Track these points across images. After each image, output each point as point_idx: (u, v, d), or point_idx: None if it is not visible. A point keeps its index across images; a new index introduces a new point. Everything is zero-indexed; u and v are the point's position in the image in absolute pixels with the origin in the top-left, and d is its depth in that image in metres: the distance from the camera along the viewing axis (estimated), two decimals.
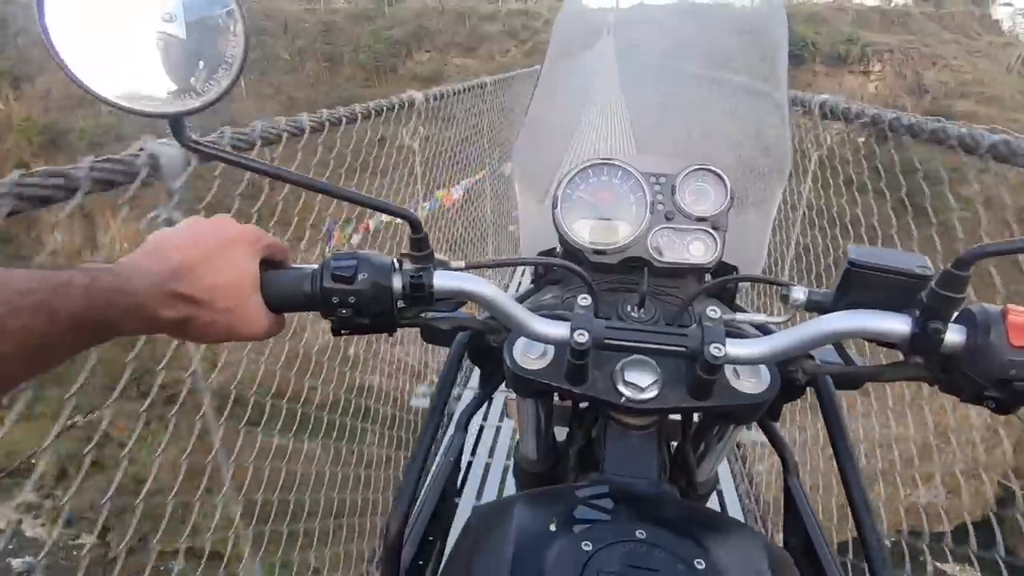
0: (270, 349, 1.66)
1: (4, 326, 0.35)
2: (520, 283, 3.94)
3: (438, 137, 3.43)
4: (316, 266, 0.56)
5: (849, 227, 2.48)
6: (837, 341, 0.58)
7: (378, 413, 2.39)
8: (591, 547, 0.45)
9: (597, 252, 0.74)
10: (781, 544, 0.67)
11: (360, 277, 0.54)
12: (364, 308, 0.55)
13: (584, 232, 0.75)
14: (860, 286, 0.52)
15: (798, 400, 0.66)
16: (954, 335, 0.50)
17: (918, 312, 0.51)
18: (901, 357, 0.55)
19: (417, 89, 2.44)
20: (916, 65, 21.91)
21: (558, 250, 0.80)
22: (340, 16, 28.93)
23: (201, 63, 0.42)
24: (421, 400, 2.77)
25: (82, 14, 0.40)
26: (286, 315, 0.57)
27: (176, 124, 0.45)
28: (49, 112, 22.79)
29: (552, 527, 0.48)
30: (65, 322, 0.39)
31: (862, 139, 2.83)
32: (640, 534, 0.47)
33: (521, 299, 0.77)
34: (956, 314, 0.50)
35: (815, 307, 0.57)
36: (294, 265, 0.58)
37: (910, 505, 2.17)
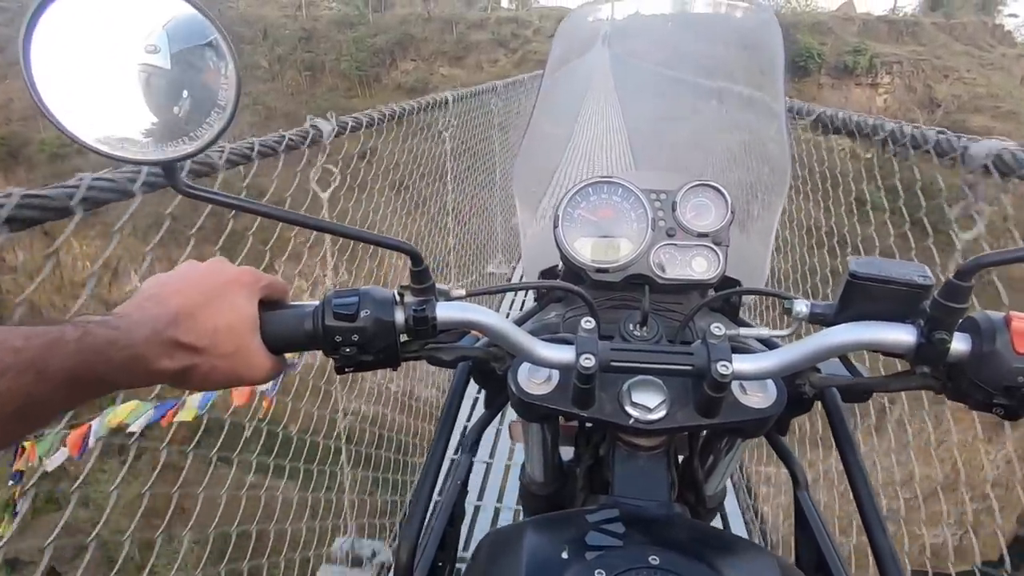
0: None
1: None
2: (523, 305, 4.03)
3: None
4: (316, 303, 0.57)
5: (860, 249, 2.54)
6: (843, 353, 0.61)
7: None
8: (605, 575, 0.47)
9: (599, 270, 0.77)
10: (793, 560, 0.68)
11: (363, 314, 0.55)
12: (368, 345, 0.56)
13: (586, 250, 0.78)
14: (862, 297, 0.55)
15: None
16: (959, 344, 0.52)
17: (922, 322, 0.53)
18: (907, 367, 0.58)
19: (404, 99, 2.47)
20: (927, 78, 22.35)
21: (560, 268, 0.84)
22: (322, 23, 29.30)
23: (185, 93, 0.44)
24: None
25: (69, 64, 0.41)
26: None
27: (170, 170, 0.47)
28: (10, 123, 22.83)
29: (564, 554, 0.50)
30: (56, 379, 0.40)
31: (869, 154, 2.88)
32: (653, 559, 0.49)
33: (525, 318, 0.82)
34: (960, 322, 0.53)
35: (818, 319, 0.60)
36: (293, 303, 0.59)
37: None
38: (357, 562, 2.13)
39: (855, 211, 2.69)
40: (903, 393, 0.62)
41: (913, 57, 22.87)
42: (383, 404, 2.81)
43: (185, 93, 0.44)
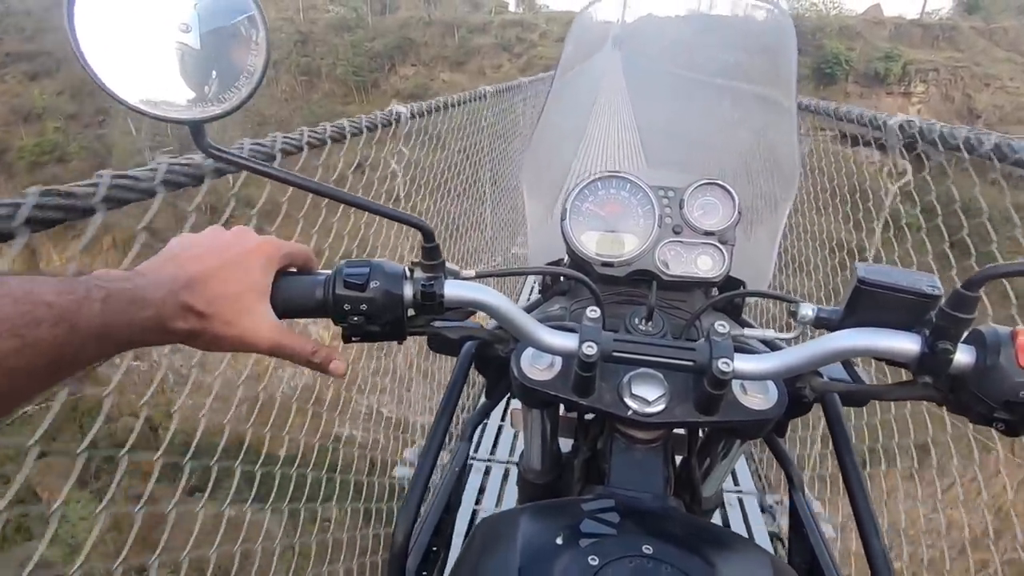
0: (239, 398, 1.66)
1: (27, 337, 0.40)
2: (529, 296, 4.34)
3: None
4: (329, 272, 0.62)
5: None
6: (846, 359, 0.64)
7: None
8: (598, 561, 0.51)
9: (605, 264, 0.83)
10: (786, 561, 0.72)
11: (372, 285, 0.60)
12: (375, 316, 0.61)
13: (592, 244, 0.84)
14: (869, 304, 0.58)
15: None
16: (963, 356, 0.55)
17: (927, 332, 0.56)
18: (909, 376, 0.61)
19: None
20: (966, 86, 21.92)
21: (566, 261, 0.90)
22: (320, 26, 29.77)
23: (214, 73, 0.49)
24: (405, 470, 2.79)
25: (109, 21, 0.45)
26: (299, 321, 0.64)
27: (196, 131, 0.51)
28: None
29: (558, 540, 0.54)
30: (85, 334, 0.44)
31: (902, 170, 2.84)
32: (647, 549, 0.52)
33: (529, 309, 0.86)
34: (966, 334, 0.55)
35: (823, 324, 0.63)
36: (314, 271, 0.65)
37: None
38: None
39: (890, 226, 2.68)
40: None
41: (950, 64, 22.40)
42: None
43: (214, 70, 0.49)
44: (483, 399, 0.86)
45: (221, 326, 0.55)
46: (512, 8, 37.88)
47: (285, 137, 1.49)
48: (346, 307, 0.61)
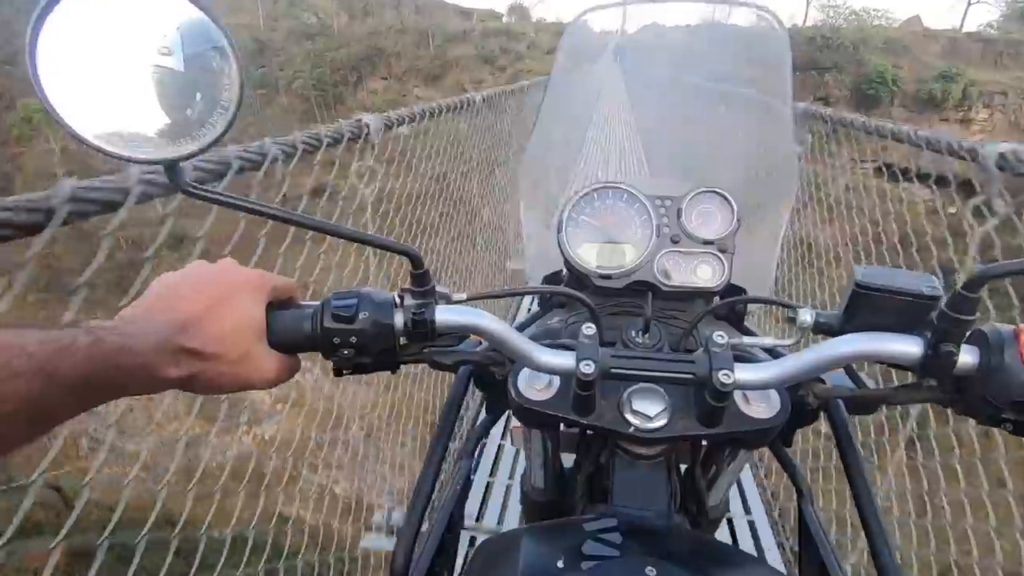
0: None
1: (2, 391, 0.43)
2: (530, 308, 4.53)
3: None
4: (317, 304, 0.69)
5: None
6: (848, 364, 0.72)
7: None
8: None
9: (603, 276, 0.92)
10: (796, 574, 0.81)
11: (361, 316, 0.67)
12: (366, 348, 0.68)
13: (590, 256, 0.93)
14: (868, 308, 0.65)
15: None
16: (967, 356, 0.62)
17: (929, 334, 0.63)
18: (914, 380, 0.68)
19: None
20: None
21: (564, 273, 1.00)
22: (280, 33, 30.28)
23: (199, 95, 0.53)
24: (375, 539, 2.87)
25: (76, 59, 0.49)
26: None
27: (172, 169, 0.56)
28: None
29: (559, 563, 0.59)
30: (66, 384, 0.48)
31: (952, 209, 2.86)
32: (650, 571, 0.57)
33: (527, 323, 0.99)
34: (968, 335, 0.62)
35: (823, 329, 0.70)
36: (301, 303, 0.72)
37: None
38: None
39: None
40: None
41: (1018, 85, 21.87)
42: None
43: (198, 95, 0.53)
44: (483, 415, 0.94)
45: (223, 366, 0.61)
46: (505, 19, 38.79)
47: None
48: (336, 340, 0.67)
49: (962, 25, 27.22)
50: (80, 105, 0.50)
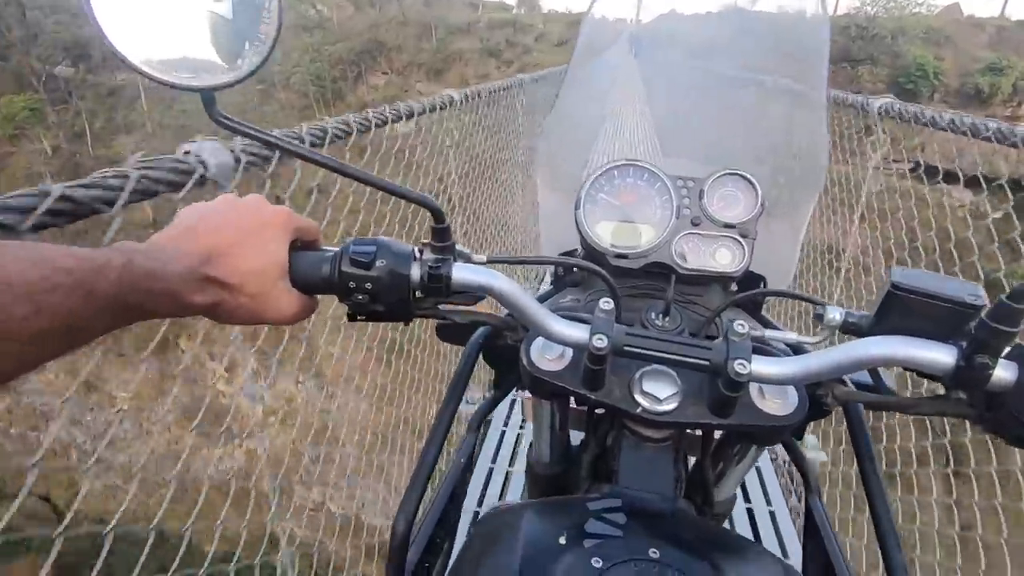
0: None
1: (42, 302, 0.48)
2: (538, 287, 4.88)
3: None
4: (336, 249, 0.74)
5: None
6: (873, 367, 0.74)
7: None
8: (601, 564, 0.58)
9: (619, 256, 0.97)
10: (800, 568, 0.80)
11: (378, 263, 0.71)
12: (380, 295, 0.72)
13: (607, 235, 0.98)
14: (902, 311, 0.65)
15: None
16: (1004, 372, 0.61)
17: (965, 344, 0.62)
18: (942, 390, 0.69)
19: None
20: None
21: (579, 252, 1.05)
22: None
23: (239, 27, 0.58)
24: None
25: None
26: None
27: (207, 99, 0.60)
28: None
29: (562, 540, 0.62)
30: (100, 303, 0.53)
31: (999, 214, 2.82)
32: (653, 553, 0.60)
33: (540, 300, 1.00)
34: (1008, 350, 0.62)
35: (851, 329, 0.72)
36: (323, 247, 0.76)
37: None
38: None
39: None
40: None
41: None
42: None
43: (239, 27, 0.59)
44: (491, 391, 1.00)
45: (244, 298, 0.67)
46: (515, 11, 38.90)
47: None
48: (351, 285, 0.72)
49: (1002, 12, 26.39)
50: (128, 32, 0.55)
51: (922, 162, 3.38)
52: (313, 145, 1.82)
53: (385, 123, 2.40)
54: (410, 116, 2.66)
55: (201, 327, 1.69)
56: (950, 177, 2.77)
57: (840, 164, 4.07)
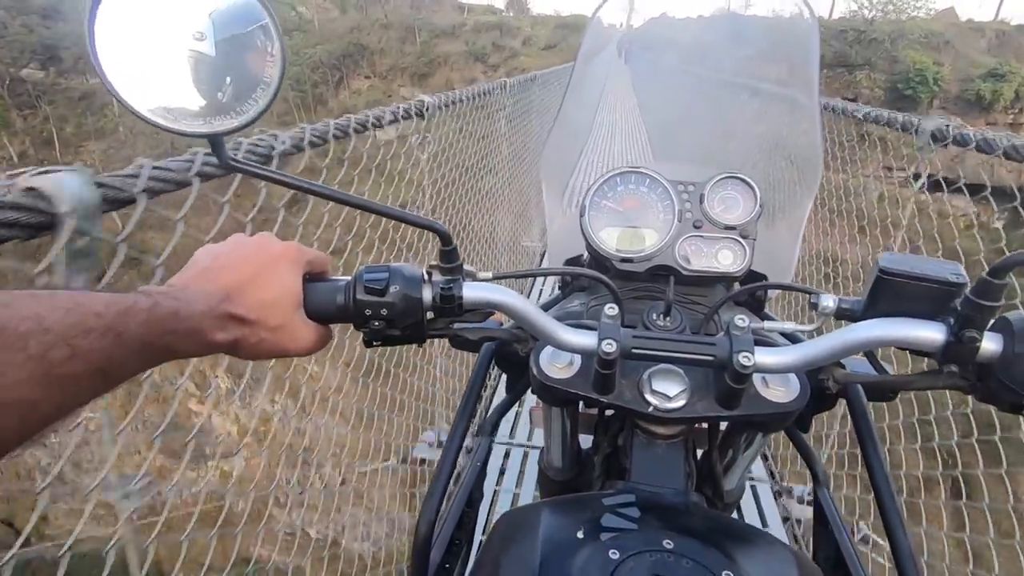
0: None
1: (77, 346, 0.51)
2: (541, 291, 5.53)
3: None
4: (348, 278, 0.79)
5: None
6: (869, 349, 0.80)
7: None
8: (618, 555, 0.62)
9: (624, 260, 1.03)
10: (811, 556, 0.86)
11: (392, 289, 0.76)
12: (395, 320, 0.77)
13: (611, 240, 1.05)
14: (891, 294, 0.71)
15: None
16: (990, 343, 0.68)
17: (952, 320, 0.69)
18: (934, 366, 0.75)
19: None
20: None
21: (585, 257, 1.12)
22: None
23: (228, 80, 0.62)
24: (427, 450, 3.47)
25: (127, 32, 0.58)
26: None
27: (215, 143, 0.65)
28: None
29: (579, 534, 0.67)
30: (131, 344, 0.56)
31: (1000, 223, 2.81)
32: (667, 544, 0.64)
33: (548, 306, 1.09)
34: (992, 322, 0.68)
35: (845, 315, 0.77)
36: (333, 277, 0.81)
37: None
38: None
39: None
40: None
41: None
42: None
43: (229, 77, 0.62)
44: (504, 394, 1.07)
45: (264, 332, 0.71)
46: (504, 14, 39.07)
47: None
48: (367, 312, 0.76)
49: (996, 16, 26.61)
50: (134, 82, 0.59)
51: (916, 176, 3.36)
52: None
53: (346, 135, 2.39)
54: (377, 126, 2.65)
55: None
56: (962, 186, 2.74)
57: (838, 172, 4.09)
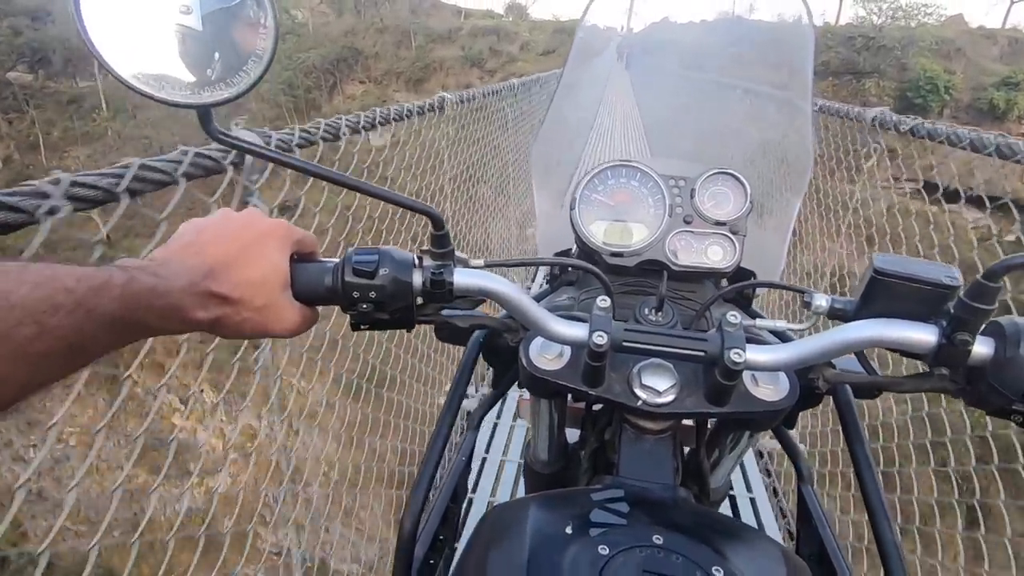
0: None
1: (45, 323, 0.50)
2: (530, 286, 5.48)
3: None
4: (339, 260, 0.78)
5: None
6: (860, 350, 0.80)
7: None
8: (608, 551, 0.62)
9: (614, 254, 1.04)
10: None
11: (381, 272, 0.76)
12: (384, 303, 0.77)
13: (601, 234, 1.05)
14: (885, 295, 0.72)
15: None
16: (982, 347, 0.69)
17: (945, 323, 0.69)
18: (925, 369, 0.76)
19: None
20: None
21: (574, 251, 1.13)
22: None
23: (217, 55, 0.61)
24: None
25: (116, 9, 0.57)
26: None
27: (204, 115, 0.64)
28: None
29: (568, 530, 0.67)
30: (103, 321, 0.55)
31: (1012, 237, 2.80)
32: (657, 539, 0.64)
33: (537, 299, 1.05)
34: (984, 326, 0.69)
35: (837, 315, 0.77)
36: (321, 259, 0.80)
37: None
38: None
39: None
40: None
41: None
42: None
43: (217, 52, 0.61)
44: (489, 389, 1.08)
45: (247, 311, 0.70)
46: (503, 19, 39.24)
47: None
48: (355, 294, 0.76)
49: (1004, 24, 26.80)
50: (120, 48, 0.58)
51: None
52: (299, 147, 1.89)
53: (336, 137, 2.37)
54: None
55: (157, 356, 1.67)
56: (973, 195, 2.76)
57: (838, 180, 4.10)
